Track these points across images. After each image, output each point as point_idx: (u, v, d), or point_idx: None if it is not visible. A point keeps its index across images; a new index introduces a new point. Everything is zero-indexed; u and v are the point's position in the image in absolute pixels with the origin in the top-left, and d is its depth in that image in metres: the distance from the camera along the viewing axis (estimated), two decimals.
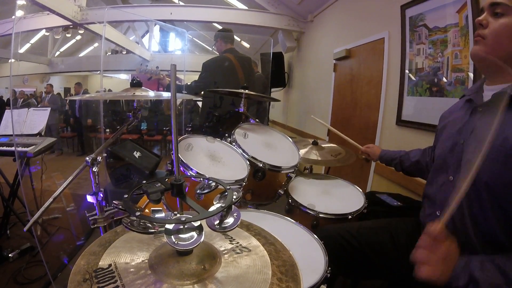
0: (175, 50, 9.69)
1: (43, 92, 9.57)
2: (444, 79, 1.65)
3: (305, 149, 1.68)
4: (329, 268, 0.86)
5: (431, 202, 0.94)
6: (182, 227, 0.50)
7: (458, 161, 0.85)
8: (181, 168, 1.04)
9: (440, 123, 1.05)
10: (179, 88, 2.68)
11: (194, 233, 0.50)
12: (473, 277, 0.66)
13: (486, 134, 0.77)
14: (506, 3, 0.76)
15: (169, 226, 0.50)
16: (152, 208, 0.52)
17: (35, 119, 2.51)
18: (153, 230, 0.50)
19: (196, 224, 0.51)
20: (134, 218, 0.49)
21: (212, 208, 0.51)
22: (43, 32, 7.58)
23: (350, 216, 1.25)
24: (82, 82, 11.00)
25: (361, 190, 1.48)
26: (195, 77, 2.64)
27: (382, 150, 1.44)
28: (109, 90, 7.82)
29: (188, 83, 2.70)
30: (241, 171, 1.19)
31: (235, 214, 0.55)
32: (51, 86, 6.99)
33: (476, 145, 0.80)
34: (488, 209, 0.76)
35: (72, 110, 6.84)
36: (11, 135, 2.24)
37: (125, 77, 11.26)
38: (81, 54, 10.71)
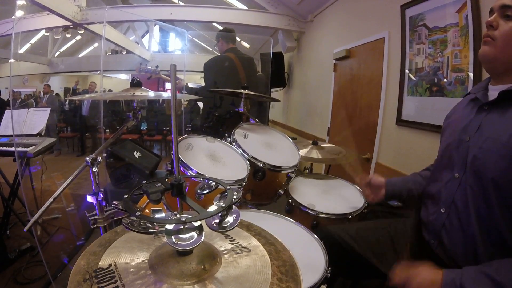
0: (175, 50, 9.69)
1: (42, 93, 9.57)
2: (444, 79, 1.65)
3: (306, 149, 1.68)
4: (329, 268, 0.86)
5: (435, 200, 0.94)
6: (182, 227, 0.50)
7: (464, 158, 0.85)
8: (181, 168, 1.04)
9: (444, 122, 1.06)
10: (195, 91, 2.70)
11: (194, 233, 0.50)
12: None
13: (493, 132, 0.78)
14: None
15: (169, 226, 0.50)
16: (152, 208, 0.52)
17: (35, 119, 2.51)
18: (153, 230, 0.50)
19: (196, 224, 0.51)
20: (134, 218, 0.49)
21: (212, 208, 0.51)
22: (43, 32, 7.56)
23: (350, 216, 1.25)
24: (82, 82, 11.02)
25: (361, 190, 1.48)
26: (195, 77, 2.64)
27: (387, 180, 1.15)
28: (109, 90, 7.82)
29: (190, 85, 2.71)
30: (241, 171, 1.19)
31: (234, 214, 0.55)
32: (49, 86, 6.99)
33: (483, 141, 0.81)
34: (495, 206, 0.76)
35: (75, 110, 6.81)
36: (11, 135, 2.24)
37: (125, 77, 11.25)
38: (81, 54, 10.70)
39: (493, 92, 0.85)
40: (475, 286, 0.67)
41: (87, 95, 2.40)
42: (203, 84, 2.67)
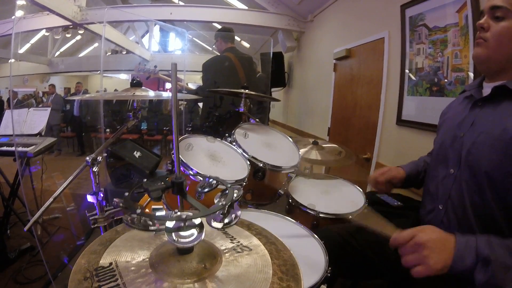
0: (175, 50, 9.70)
1: (40, 92, 9.57)
2: (444, 79, 1.65)
3: (305, 149, 1.68)
4: (329, 268, 0.86)
5: (432, 197, 0.95)
6: (182, 225, 0.50)
7: (458, 153, 0.86)
8: (181, 168, 1.04)
9: (440, 119, 1.07)
10: (194, 91, 2.69)
11: (194, 231, 0.50)
12: (482, 256, 0.64)
13: (486, 126, 0.80)
14: (506, 7, 0.78)
15: (170, 224, 0.50)
16: (152, 206, 0.52)
17: (35, 119, 2.51)
18: (153, 228, 0.50)
19: (196, 222, 0.51)
20: (135, 215, 0.49)
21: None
22: (43, 32, 7.57)
23: (350, 216, 1.25)
24: (82, 82, 11.03)
25: (361, 190, 1.48)
26: (195, 77, 2.64)
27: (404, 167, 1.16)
28: (115, 90, 7.82)
29: (190, 85, 2.71)
30: (241, 171, 1.19)
31: (235, 212, 0.55)
32: (54, 86, 6.98)
33: (476, 136, 0.82)
34: (490, 199, 0.77)
35: (72, 111, 6.82)
36: (11, 135, 2.24)
37: (125, 77, 11.27)
38: (81, 54, 10.71)
39: (487, 89, 0.86)
40: (491, 248, 0.65)
41: (87, 95, 2.40)
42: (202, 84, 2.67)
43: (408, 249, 0.70)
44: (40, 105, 7.07)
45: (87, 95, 2.29)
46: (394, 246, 0.73)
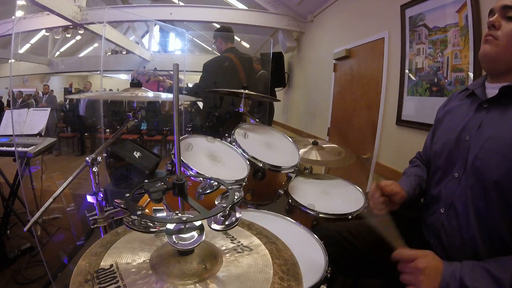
0: (175, 50, 9.70)
1: (40, 92, 9.59)
2: (444, 79, 1.65)
3: (305, 149, 1.68)
4: (329, 268, 0.86)
5: (435, 200, 0.93)
6: (183, 226, 0.50)
7: (464, 158, 0.84)
8: (181, 169, 1.04)
9: (436, 116, 1.05)
10: (180, 90, 2.68)
11: (195, 233, 0.50)
12: (464, 285, 0.68)
13: (495, 131, 0.78)
14: None
15: (170, 226, 0.50)
16: (153, 208, 0.52)
17: (35, 119, 2.51)
18: (154, 230, 0.50)
19: (197, 223, 0.51)
20: (135, 217, 0.49)
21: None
22: (43, 32, 7.57)
23: (350, 216, 1.25)
24: (81, 82, 11.03)
25: (361, 190, 1.48)
26: (195, 77, 2.64)
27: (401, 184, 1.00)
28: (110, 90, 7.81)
29: (190, 85, 2.70)
30: (241, 171, 1.19)
31: (235, 214, 0.55)
32: (48, 86, 7.04)
33: (484, 141, 0.80)
34: (496, 207, 0.76)
35: (74, 110, 6.80)
36: (11, 135, 2.24)
37: (125, 77, 11.25)
38: (81, 54, 10.70)
39: (491, 90, 0.84)
40: (474, 279, 0.68)
41: (87, 94, 2.40)
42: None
43: (407, 269, 0.75)
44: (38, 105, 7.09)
45: (87, 94, 2.30)
46: (395, 260, 0.78)
